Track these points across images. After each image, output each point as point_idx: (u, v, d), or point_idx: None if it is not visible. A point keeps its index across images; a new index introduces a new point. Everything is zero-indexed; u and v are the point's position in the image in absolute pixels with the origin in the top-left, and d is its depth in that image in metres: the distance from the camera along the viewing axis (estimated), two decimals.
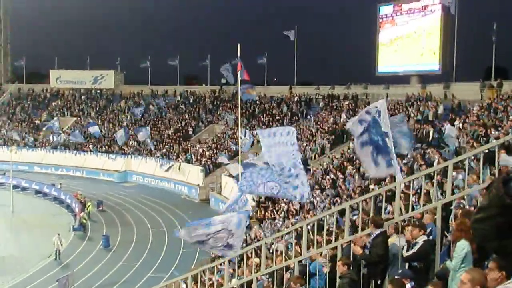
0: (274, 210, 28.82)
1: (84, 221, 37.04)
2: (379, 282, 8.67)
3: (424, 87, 44.49)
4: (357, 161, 29.29)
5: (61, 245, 30.80)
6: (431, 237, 8.83)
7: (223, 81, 61.95)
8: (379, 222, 8.87)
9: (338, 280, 8.92)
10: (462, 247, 7.03)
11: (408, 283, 7.30)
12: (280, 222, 25.60)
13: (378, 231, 8.74)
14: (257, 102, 56.71)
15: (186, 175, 49.36)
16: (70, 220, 38.69)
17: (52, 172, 58.22)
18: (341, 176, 26.71)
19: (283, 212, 26.92)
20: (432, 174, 11.43)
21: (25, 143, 62.65)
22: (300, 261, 10.96)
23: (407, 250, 8.59)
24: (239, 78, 35.32)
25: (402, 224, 9.37)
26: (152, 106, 64.49)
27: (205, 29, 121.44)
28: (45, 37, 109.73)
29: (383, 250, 8.65)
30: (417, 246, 8.31)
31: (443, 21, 44.96)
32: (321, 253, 10.81)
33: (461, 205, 9.80)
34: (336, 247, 10.22)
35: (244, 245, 21.43)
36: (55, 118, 64.35)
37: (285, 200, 28.26)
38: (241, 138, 37.26)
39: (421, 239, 8.43)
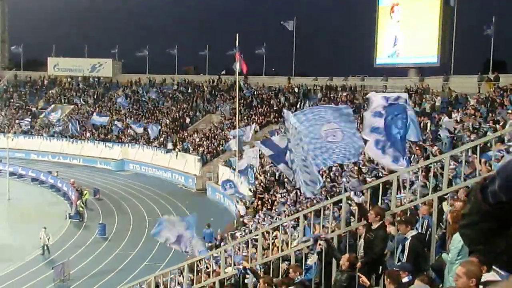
0: (271, 201, 28.90)
1: (81, 209, 37.00)
2: (379, 272, 8.66)
3: (422, 79, 44.52)
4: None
5: (48, 239, 29.71)
6: (419, 230, 8.87)
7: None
8: (381, 213, 8.78)
9: (337, 271, 8.87)
10: (459, 239, 7.05)
11: (406, 276, 7.30)
12: (276, 213, 25.65)
13: (379, 223, 8.70)
14: (255, 92, 56.66)
15: (183, 165, 49.36)
16: (67, 208, 38.69)
17: (49, 160, 58.14)
18: (338, 167, 26.71)
19: (279, 203, 26.99)
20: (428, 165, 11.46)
21: (22, 130, 62.52)
22: (296, 251, 11.01)
23: (397, 247, 8.62)
24: (237, 69, 35.31)
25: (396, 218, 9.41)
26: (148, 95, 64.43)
27: (204, 19, 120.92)
28: (43, 24, 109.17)
29: (385, 242, 8.61)
30: (407, 243, 8.28)
31: (442, 13, 44.85)
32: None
33: (455, 197, 9.81)
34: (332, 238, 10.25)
35: (243, 234, 21.48)
36: (55, 107, 64.15)
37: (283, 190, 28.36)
38: (243, 130, 37.25)
39: (410, 234, 8.42)
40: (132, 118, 58.80)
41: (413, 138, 10.78)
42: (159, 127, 53.53)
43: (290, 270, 9.53)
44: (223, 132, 50.40)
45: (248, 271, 10.34)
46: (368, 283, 7.82)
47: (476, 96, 30.96)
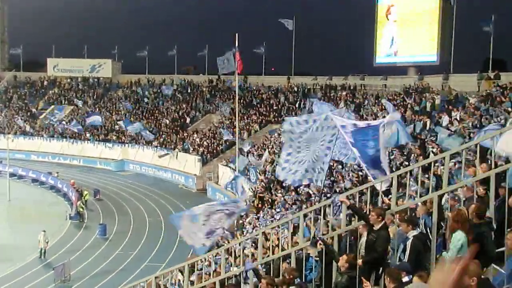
0: (271, 200, 28.86)
1: (81, 209, 36.99)
2: (379, 272, 8.61)
3: (421, 78, 44.43)
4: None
5: (47, 243, 29.26)
6: (420, 230, 8.85)
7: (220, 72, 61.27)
8: (382, 214, 8.70)
9: (337, 273, 8.81)
10: (458, 238, 7.06)
11: (406, 276, 7.26)
12: (277, 212, 25.61)
13: (381, 223, 8.59)
14: (255, 91, 56.60)
15: (183, 165, 49.34)
16: (67, 208, 38.67)
17: (49, 161, 58.12)
18: (339, 166, 26.69)
19: (280, 203, 26.94)
20: (427, 165, 11.46)
21: (23, 131, 62.47)
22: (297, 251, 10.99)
23: (398, 246, 8.60)
24: (235, 68, 35.29)
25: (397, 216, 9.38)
26: (149, 95, 64.40)
27: (204, 19, 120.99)
28: (42, 25, 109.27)
29: (387, 243, 8.53)
30: (408, 243, 8.25)
31: (441, 11, 44.75)
32: None
33: (456, 197, 9.79)
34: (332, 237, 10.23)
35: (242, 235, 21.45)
36: (60, 107, 64.20)
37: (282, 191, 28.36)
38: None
39: (411, 234, 8.39)
40: (132, 118, 58.92)
41: (404, 141, 12.03)
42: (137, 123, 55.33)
43: (286, 274, 9.45)
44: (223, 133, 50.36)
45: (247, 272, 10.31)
46: (370, 287, 7.76)
47: (476, 94, 30.94)
